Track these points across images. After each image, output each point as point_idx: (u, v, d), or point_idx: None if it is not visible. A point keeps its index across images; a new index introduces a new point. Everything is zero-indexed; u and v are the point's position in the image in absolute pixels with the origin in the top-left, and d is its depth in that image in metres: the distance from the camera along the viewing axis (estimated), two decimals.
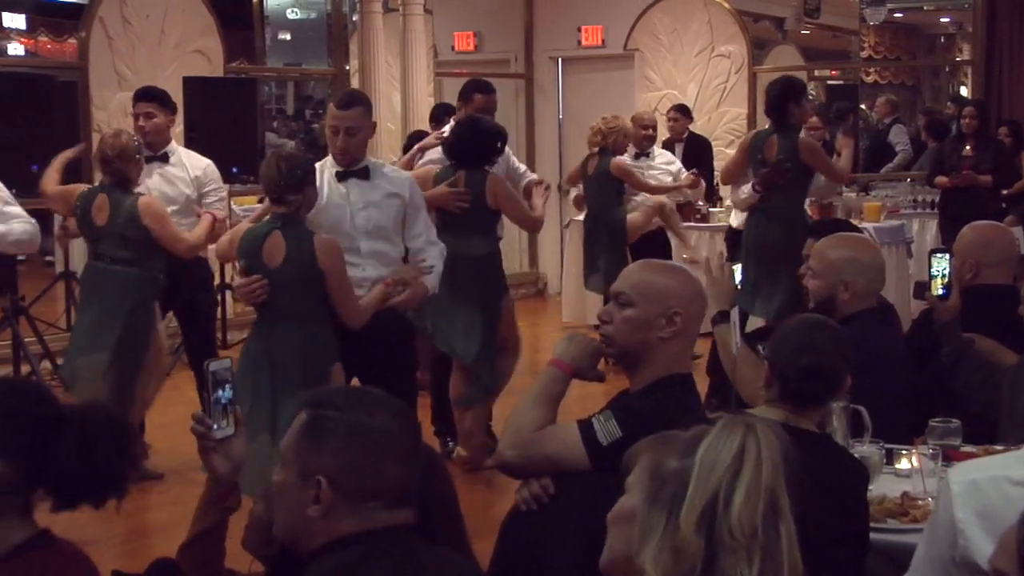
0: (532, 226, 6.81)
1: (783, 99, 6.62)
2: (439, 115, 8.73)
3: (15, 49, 13.52)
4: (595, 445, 2.77)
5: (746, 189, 6.82)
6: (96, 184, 6.04)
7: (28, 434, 2.11)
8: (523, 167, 7.23)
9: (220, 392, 2.25)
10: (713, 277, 4.03)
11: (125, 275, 5.77)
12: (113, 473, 2.16)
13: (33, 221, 5.86)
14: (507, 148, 6.84)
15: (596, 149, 8.46)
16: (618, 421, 2.80)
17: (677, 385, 2.91)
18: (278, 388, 4.62)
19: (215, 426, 2.25)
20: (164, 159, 6.35)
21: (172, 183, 6.35)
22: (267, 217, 4.89)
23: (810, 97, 6.97)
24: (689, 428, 1.87)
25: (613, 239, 8.48)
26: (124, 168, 5.78)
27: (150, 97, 6.39)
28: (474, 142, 6.21)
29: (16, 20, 13.19)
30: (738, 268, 4.16)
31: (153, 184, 6.28)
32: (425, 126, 8.84)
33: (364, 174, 5.21)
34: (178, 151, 6.48)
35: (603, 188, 8.47)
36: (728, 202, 10.20)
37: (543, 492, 2.81)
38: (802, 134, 6.89)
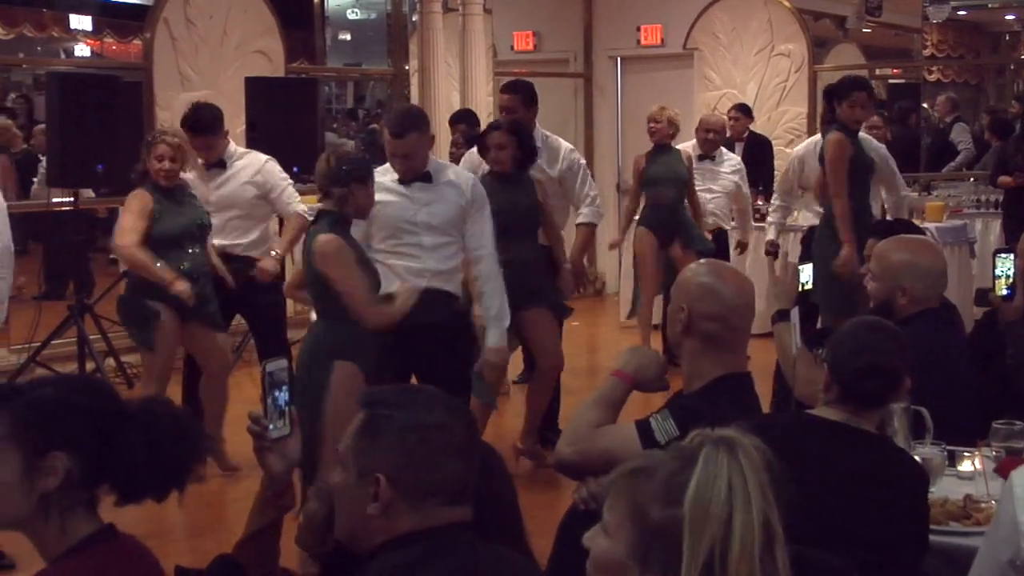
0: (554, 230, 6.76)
1: (828, 98, 6.63)
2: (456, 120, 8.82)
3: (82, 50, 13.73)
4: (652, 444, 2.78)
5: None
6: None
7: (93, 429, 2.12)
8: (588, 186, 7.05)
9: (276, 392, 2.26)
10: (776, 276, 4.01)
11: None
12: (175, 467, 2.18)
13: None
14: (572, 153, 6.83)
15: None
16: (675, 420, 2.82)
17: (734, 385, 2.91)
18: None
19: (271, 426, 2.26)
20: (222, 165, 6.41)
21: (232, 187, 6.41)
22: None
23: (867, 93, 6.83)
24: (669, 448, 1.84)
25: None
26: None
27: (200, 131, 6.30)
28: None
29: (83, 22, 13.37)
30: (805, 268, 4.10)
31: (215, 190, 6.37)
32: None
33: (427, 178, 5.30)
34: (235, 153, 6.50)
35: None
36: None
37: (601, 491, 2.80)
38: (862, 133, 6.84)
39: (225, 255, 6.34)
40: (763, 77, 11.83)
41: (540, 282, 6.22)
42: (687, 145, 8.81)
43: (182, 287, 5.74)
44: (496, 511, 2.22)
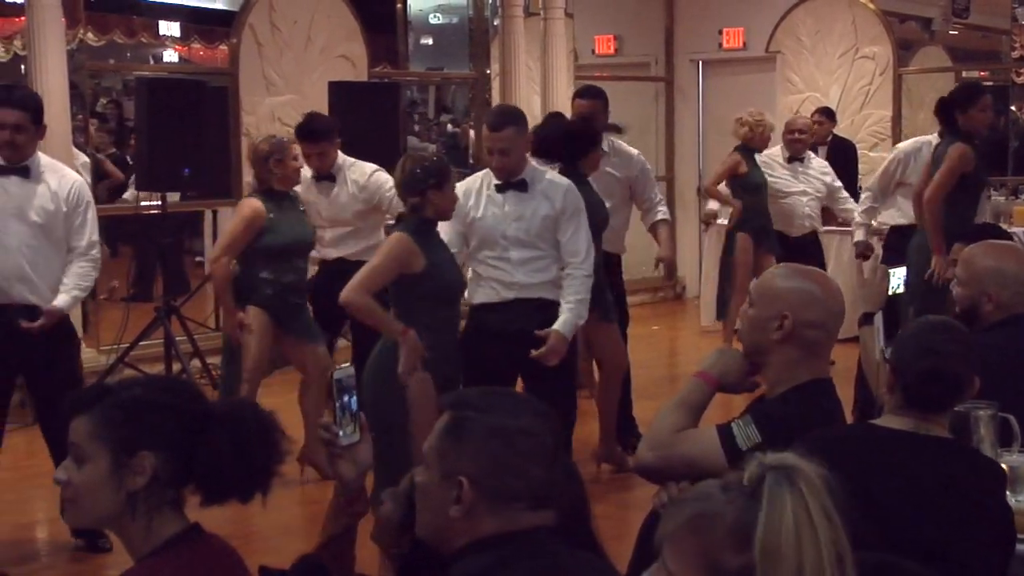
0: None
1: (945, 110, 6.57)
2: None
3: (170, 56, 13.94)
4: (734, 449, 2.76)
5: None
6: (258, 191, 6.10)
7: (179, 429, 2.15)
8: (655, 187, 7.17)
9: (344, 399, 2.27)
10: (864, 278, 3.94)
11: None
12: (259, 468, 2.20)
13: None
14: (640, 157, 6.83)
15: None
16: (757, 426, 2.80)
17: (816, 390, 2.88)
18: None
19: (340, 432, 2.27)
20: (331, 178, 6.48)
21: (343, 200, 6.48)
22: None
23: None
24: (730, 486, 1.77)
25: None
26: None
27: (316, 138, 6.37)
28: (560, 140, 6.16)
29: (171, 28, 13.57)
30: (896, 272, 4.01)
31: (317, 202, 6.46)
32: None
33: (522, 186, 5.31)
34: (343, 166, 6.52)
35: None
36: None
37: (682, 496, 2.80)
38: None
39: (342, 262, 6.34)
40: (847, 80, 11.70)
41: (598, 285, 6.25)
42: (774, 149, 8.77)
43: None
44: (570, 514, 2.21)
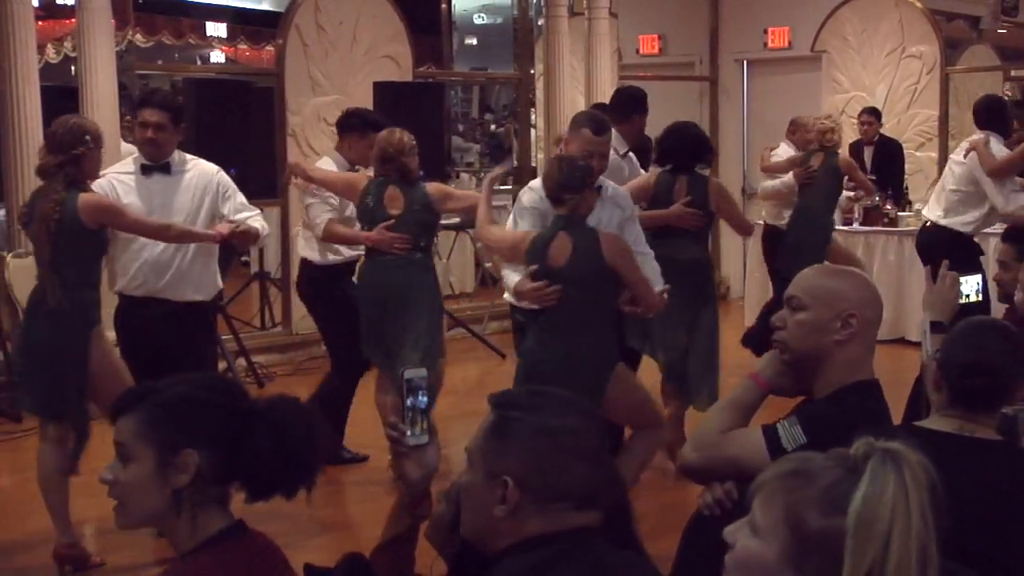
0: (747, 230, 6.98)
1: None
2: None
3: (217, 57, 14.05)
4: (779, 451, 2.75)
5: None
6: (380, 178, 6.24)
7: (223, 427, 2.17)
8: None
9: (413, 399, 2.27)
10: (932, 285, 3.87)
11: (415, 261, 6.09)
12: (303, 465, 2.21)
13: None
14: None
15: (816, 146, 8.50)
16: (803, 427, 2.78)
17: (863, 392, 2.86)
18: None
19: (408, 432, 2.28)
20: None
21: None
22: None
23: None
24: (831, 453, 1.77)
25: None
26: (406, 162, 6.15)
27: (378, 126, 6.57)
28: (688, 144, 6.29)
29: (218, 29, 13.68)
30: (967, 280, 3.89)
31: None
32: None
33: (599, 190, 5.38)
34: None
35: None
36: (917, 207, 9.99)
37: (727, 497, 2.80)
38: None
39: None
40: (893, 79, 11.62)
41: None
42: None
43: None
44: (612, 515, 2.21)
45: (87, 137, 5.09)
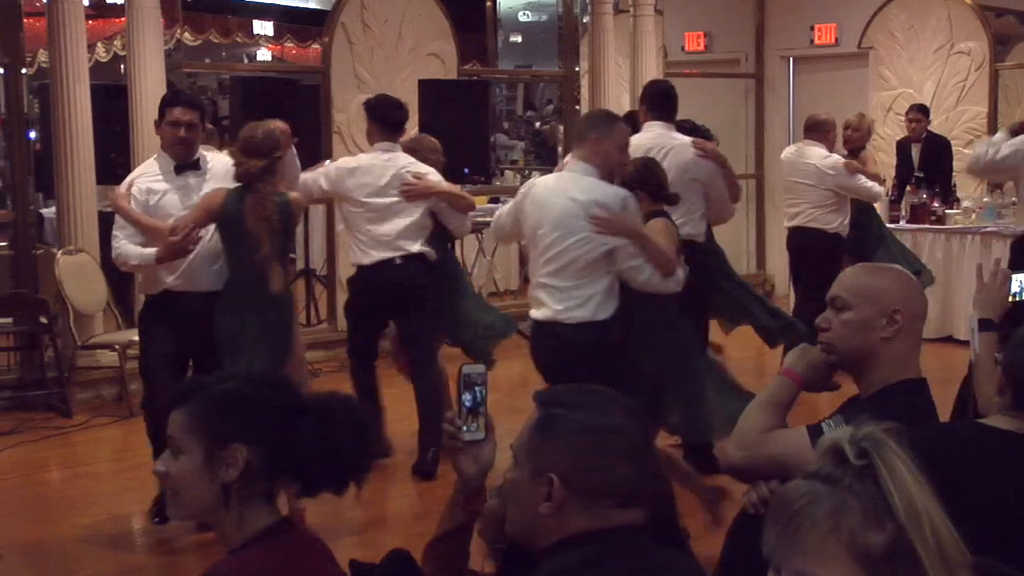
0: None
1: None
2: None
3: (263, 55, 14.13)
4: None
5: None
6: None
7: (273, 423, 2.18)
8: None
9: (469, 395, 2.27)
10: (982, 282, 3.83)
11: None
12: (353, 461, 2.22)
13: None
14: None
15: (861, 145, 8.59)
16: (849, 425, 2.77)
17: (910, 390, 2.85)
18: None
19: (464, 428, 2.28)
20: None
21: None
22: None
23: None
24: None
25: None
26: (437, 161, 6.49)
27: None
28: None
29: (265, 27, 13.76)
30: (1018, 277, 3.84)
31: None
32: None
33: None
34: None
35: None
36: (966, 204, 9.90)
37: (771, 495, 2.79)
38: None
39: None
40: (941, 76, 11.53)
41: None
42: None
43: None
44: (657, 512, 2.21)
45: (280, 141, 5.42)
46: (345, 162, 6.61)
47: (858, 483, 1.69)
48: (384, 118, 6.48)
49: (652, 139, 6.16)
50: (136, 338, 7.75)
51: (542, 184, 5.28)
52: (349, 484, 2.24)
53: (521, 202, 5.22)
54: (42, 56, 9.99)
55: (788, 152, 8.58)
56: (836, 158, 8.25)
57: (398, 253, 6.27)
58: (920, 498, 1.67)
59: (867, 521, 1.67)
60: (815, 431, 2.79)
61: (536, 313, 5.14)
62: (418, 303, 6.34)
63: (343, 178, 6.36)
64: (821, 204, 8.22)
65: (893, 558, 1.66)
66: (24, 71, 8.25)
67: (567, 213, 5.00)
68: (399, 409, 6.63)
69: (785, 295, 11.26)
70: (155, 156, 5.62)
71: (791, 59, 12.55)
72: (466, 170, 8.41)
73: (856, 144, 8.66)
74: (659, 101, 6.30)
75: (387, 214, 6.27)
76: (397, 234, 6.27)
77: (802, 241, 8.33)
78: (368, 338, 6.51)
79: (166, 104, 5.57)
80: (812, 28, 12.22)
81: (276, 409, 2.20)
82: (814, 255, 8.17)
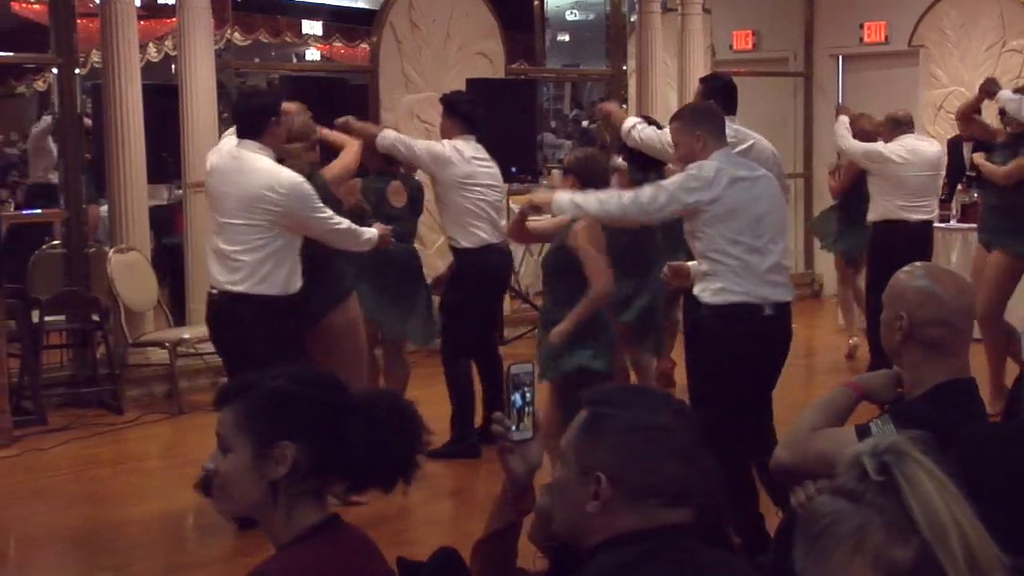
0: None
1: None
2: None
3: (312, 54, 14.21)
4: None
5: None
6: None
7: (317, 420, 2.19)
8: None
9: (517, 395, 2.27)
10: None
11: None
12: (400, 458, 2.23)
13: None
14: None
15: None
16: (896, 425, 2.76)
17: (959, 390, 2.84)
18: None
19: (513, 427, 2.28)
20: None
21: None
22: None
23: None
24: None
25: None
26: None
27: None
28: None
29: (314, 27, 13.84)
30: None
31: None
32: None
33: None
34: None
35: None
36: None
37: (819, 495, 2.78)
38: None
39: None
40: (992, 74, 11.39)
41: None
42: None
43: None
44: (703, 511, 2.20)
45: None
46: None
47: (881, 498, 1.68)
48: (467, 114, 6.73)
49: (730, 135, 6.17)
50: (187, 336, 7.88)
51: None
52: (397, 481, 2.25)
53: None
54: (95, 56, 10.09)
55: (902, 148, 8.46)
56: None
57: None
58: (946, 510, 1.65)
59: (891, 537, 1.66)
60: (863, 430, 2.79)
61: None
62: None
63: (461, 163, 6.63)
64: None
65: (921, 572, 1.65)
66: (77, 71, 8.33)
67: None
68: (447, 406, 6.65)
69: (833, 295, 11.20)
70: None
71: (840, 58, 12.46)
72: (513, 169, 8.41)
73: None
74: (725, 94, 6.30)
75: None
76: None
77: (928, 236, 8.37)
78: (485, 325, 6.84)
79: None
80: (861, 26, 12.12)
81: (323, 407, 2.21)
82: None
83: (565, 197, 4.95)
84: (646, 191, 4.83)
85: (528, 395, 2.29)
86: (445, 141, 6.69)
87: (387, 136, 6.62)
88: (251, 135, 5.39)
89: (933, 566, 1.63)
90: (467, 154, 6.61)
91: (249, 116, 5.48)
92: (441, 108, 6.90)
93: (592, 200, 4.86)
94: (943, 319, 2.87)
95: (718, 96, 6.14)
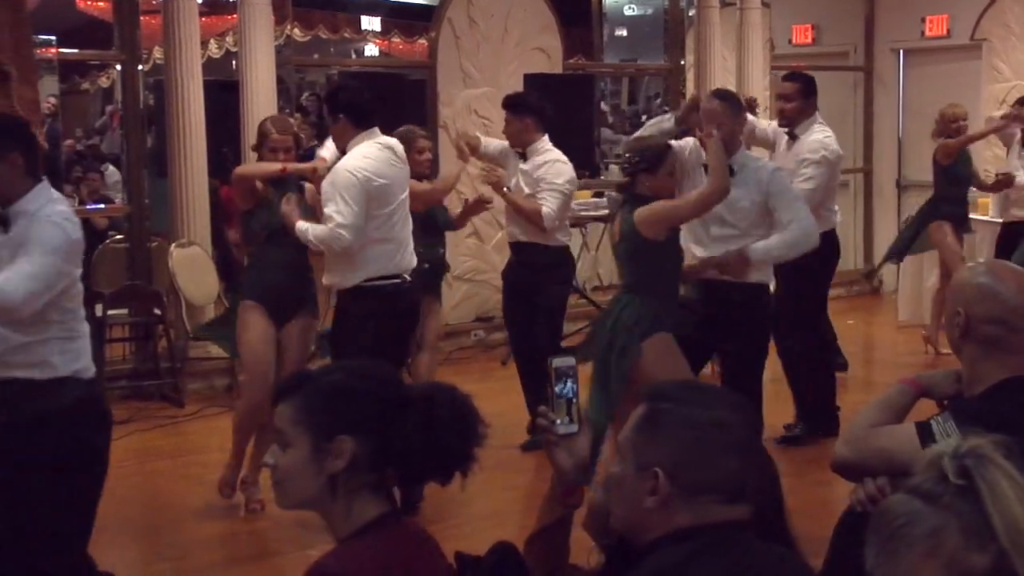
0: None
1: None
2: None
3: (371, 50, 14.28)
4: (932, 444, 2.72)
5: None
6: None
7: (375, 415, 2.20)
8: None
9: (560, 388, 2.26)
10: None
11: None
12: (453, 452, 2.22)
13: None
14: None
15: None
16: (957, 423, 2.74)
17: (1017, 388, 2.81)
18: None
19: (558, 421, 2.27)
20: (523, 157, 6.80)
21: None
22: None
23: None
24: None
25: None
26: None
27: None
28: None
29: (372, 23, 13.91)
30: None
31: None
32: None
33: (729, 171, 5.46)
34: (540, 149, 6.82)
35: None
36: None
37: (880, 493, 2.77)
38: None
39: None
40: None
41: None
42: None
43: None
44: (765, 508, 2.20)
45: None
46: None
47: (959, 502, 1.65)
48: (542, 110, 6.80)
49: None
50: None
51: None
52: (454, 474, 2.25)
53: None
54: (157, 53, 10.19)
55: None
56: None
57: None
58: None
59: (968, 542, 1.63)
60: (924, 428, 2.77)
61: None
62: None
63: None
64: None
65: None
66: (140, 67, 8.44)
67: None
68: (502, 401, 6.67)
69: (893, 290, 11.11)
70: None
71: (901, 51, 12.33)
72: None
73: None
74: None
75: None
76: None
77: None
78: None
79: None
80: (923, 20, 11.99)
81: (381, 401, 2.21)
82: None
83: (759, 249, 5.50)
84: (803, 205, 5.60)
85: (571, 388, 2.29)
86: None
87: (549, 216, 6.66)
88: (375, 123, 5.57)
89: (1011, 574, 1.61)
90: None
91: (370, 105, 5.60)
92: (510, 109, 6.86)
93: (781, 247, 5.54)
94: (999, 317, 2.84)
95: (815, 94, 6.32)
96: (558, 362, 2.29)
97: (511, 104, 6.85)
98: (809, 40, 12.68)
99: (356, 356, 5.23)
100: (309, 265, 5.88)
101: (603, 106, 15.03)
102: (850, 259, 11.95)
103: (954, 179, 8.62)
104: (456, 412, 2.23)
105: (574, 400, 2.29)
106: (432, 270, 6.51)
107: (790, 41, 12.62)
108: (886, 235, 11.81)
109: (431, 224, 6.51)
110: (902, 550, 1.67)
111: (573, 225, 8.73)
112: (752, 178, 5.55)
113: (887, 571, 1.68)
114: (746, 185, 5.52)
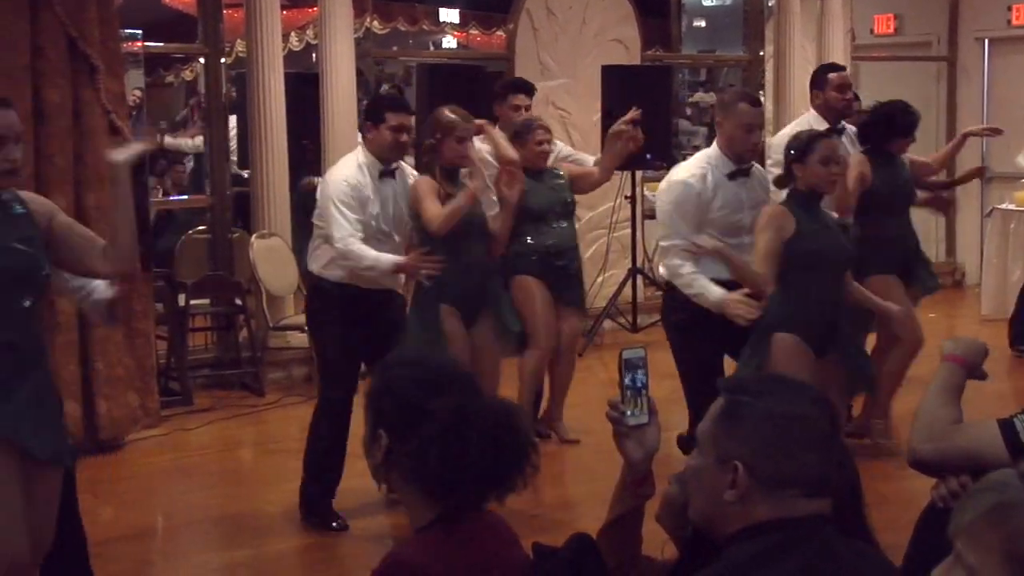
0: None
1: None
2: None
3: (448, 42, 14.32)
4: (1016, 443, 2.70)
5: None
6: None
7: (399, 418, 2.24)
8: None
9: (630, 379, 2.28)
10: None
11: None
12: (485, 475, 2.19)
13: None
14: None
15: None
16: None
17: None
18: None
19: (627, 412, 2.28)
20: None
21: None
22: None
23: None
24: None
25: None
26: None
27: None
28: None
29: (451, 15, 13.94)
30: None
31: None
32: None
33: (746, 172, 5.48)
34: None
35: None
36: None
37: (961, 489, 2.75)
38: None
39: None
40: None
41: None
42: None
43: None
44: (843, 501, 2.19)
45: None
46: None
47: None
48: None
49: None
50: None
51: None
52: (488, 498, 2.23)
53: None
54: (240, 45, 10.32)
55: None
56: None
57: None
58: None
59: None
60: (1007, 425, 2.76)
61: None
62: None
63: None
64: None
65: None
66: (223, 60, 8.54)
67: None
68: (578, 392, 6.67)
69: (976, 284, 10.94)
70: (360, 163, 5.40)
71: (986, 41, 12.12)
72: (648, 155, 8.37)
73: None
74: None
75: None
76: None
77: None
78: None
79: (388, 107, 5.43)
80: (1010, 8, 11.77)
81: (405, 406, 2.23)
82: None
83: None
84: None
85: (641, 379, 2.29)
86: None
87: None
88: None
89: None
90: None
91: None
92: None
93: None
94: None
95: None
96: (628, 354, 2.30)
97: None
98: (891, 30, 12.51)
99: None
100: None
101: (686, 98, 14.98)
102: (932, 251, 11.79)
103: None
104: (490, 434, 2.18)
105: (644, 391, 2.30)
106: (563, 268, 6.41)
107: (872, 31, 12.46)
108: (970, 227, 11.65)
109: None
110: (970, 512, 1.72)
111: (649, 217, 8.70)
112: (759, 179, 5.65)
113: (955, 522, 1.73)
114: (755, 187, 5.61)
